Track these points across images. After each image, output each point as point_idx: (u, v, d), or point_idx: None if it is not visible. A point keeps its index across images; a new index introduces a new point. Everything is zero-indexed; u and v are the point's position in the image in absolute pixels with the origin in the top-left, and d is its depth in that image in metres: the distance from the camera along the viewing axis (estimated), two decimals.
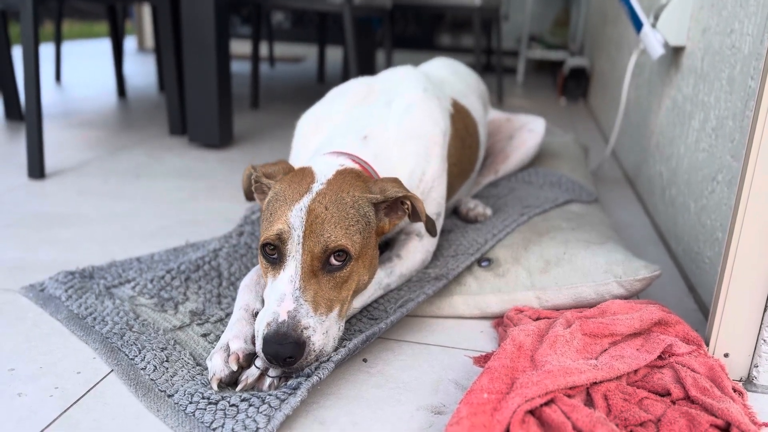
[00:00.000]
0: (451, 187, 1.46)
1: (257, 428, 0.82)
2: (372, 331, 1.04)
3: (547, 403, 0.84)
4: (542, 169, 1.80)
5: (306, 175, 1.08)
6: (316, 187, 1.04)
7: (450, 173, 1.41)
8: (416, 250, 1.26)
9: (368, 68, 4.17)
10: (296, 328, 0.92)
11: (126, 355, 1.01)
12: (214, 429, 0.83)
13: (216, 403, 0.88)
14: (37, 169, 1.99)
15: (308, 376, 0.92)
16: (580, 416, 0.81)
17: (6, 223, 1.60)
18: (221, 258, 1.31)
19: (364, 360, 1.06)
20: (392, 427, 0.90)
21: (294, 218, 0.99)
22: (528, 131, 1.87)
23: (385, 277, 1.19)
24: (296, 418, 0.90)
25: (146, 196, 1.85)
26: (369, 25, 4.20)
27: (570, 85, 3.74)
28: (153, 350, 1.01)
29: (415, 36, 6.10)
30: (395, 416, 0.92)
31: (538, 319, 1.12)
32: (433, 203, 1.31)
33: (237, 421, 0.83)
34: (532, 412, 0.83)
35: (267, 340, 0.91)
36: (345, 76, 3.51)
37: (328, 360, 0.95)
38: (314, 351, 0.93)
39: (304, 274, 0.96)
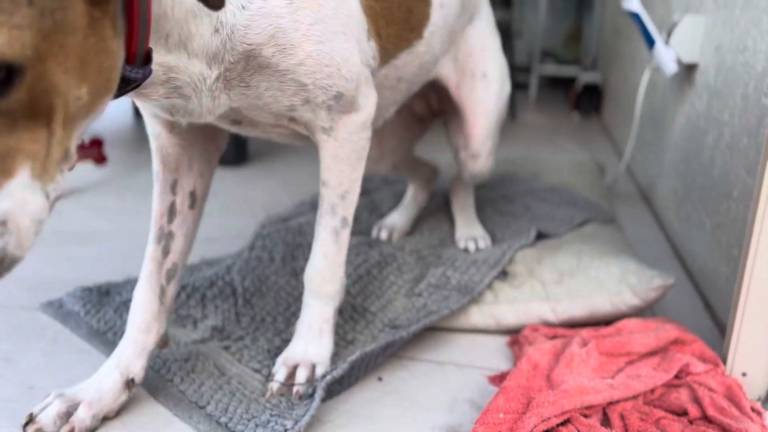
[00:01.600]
0: (385, 51, 1.00)
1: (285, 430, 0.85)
2: (392, 339, 1.05)
3: (563, 423, 0.84)
4: (559, 188, 1.81)
5: None
6: None
7: (369, 11, 0.94)
8: (337, 152, 0.95)
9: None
10: None
11: (150, 367, 1.02)
12: None
13: (250, 418, 0.90)
14: None
15: (323, 377, 0.96)
16: None
17: None
18: (234, 273, 1.32)
19: (379, 378, 1.06)
20: None
21: None
22: (481, 78, 1.31)
23: (331, 221, 0.99)
24: None
25: None
26: None
27: (583, 100, 3.75)
28: (177, 361, 1.03)
29: None
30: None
31: (554, 337, 1.12)
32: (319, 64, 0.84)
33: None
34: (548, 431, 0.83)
35: None
36: None
37: (342, 361, 0.98)
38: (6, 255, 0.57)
39: None
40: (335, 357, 1.05)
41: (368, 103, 0.97)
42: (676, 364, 1.00)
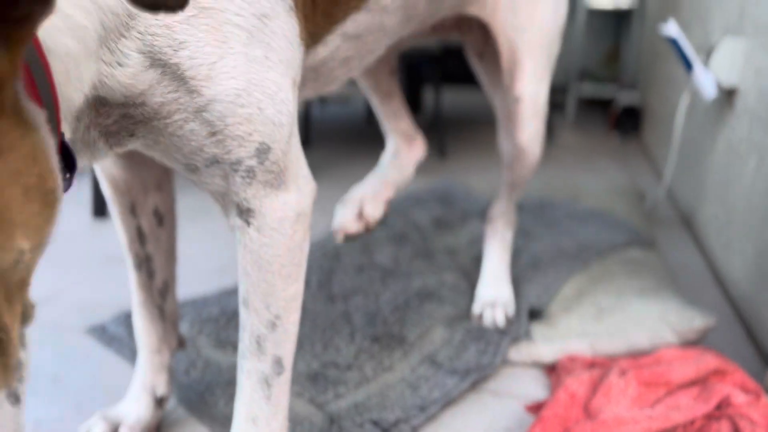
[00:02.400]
0: (329, 17, 0.73)
1: None
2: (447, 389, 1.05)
3: None
4: (598, 211, 1.80)
5: None
6: None
7: None
8: (263, 242, 0.67)
9: (415, 105, 4.24)
10: None
11: (194, 390, 1.05)
12: None
13: None
14: (100, 208, 2.08)
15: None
16: None
17: (70, 263, 1.68)
18: None
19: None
20: None
21: None
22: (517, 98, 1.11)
23: (258, 365, 0.71)
24: None
25: (203, 237, 1.92)
26: (416, 64, 4.27)
27: (622, 121, 3.72)
28: (220, 385, 1.05)
29: (461, 72, 6.16)
30: None
31: (592, 367, 1.11)
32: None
33: None
34: None
35: None
36: None
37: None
38: None
39: None
40: (384, 393, 1.05)
41: (305, 184, 0.69)
42: (716, 394, 0.98)
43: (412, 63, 4.10)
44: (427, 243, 1.64)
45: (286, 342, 0.70)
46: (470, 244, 1.62)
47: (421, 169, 2.50)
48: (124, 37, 0.53)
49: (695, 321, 1.16)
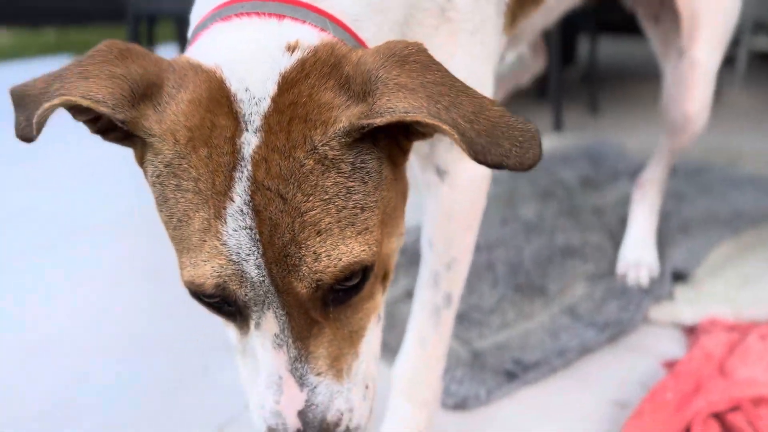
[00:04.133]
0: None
1: None
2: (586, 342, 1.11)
3: (731, 411, 0.87)
4: (759, 176, 1.73)
5: (213, 101, 0.51)
6: (249, 141, 0.50)
7: None
8: (450, 216, 0.79)
9: (568, 55, 4.11)
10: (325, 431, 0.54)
11: None
12: None
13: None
14: None
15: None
16: (765, 425, 0.83)
17: None
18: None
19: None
20: (576, 414, 0.98)
21: (235, 242, 0.50)
22: None
23: (432, 297, 0.82)
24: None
25: None
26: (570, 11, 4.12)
27: None
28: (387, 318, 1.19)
29: (619, 20, 5.84)
30: (580, 404, 1.00)
31: (731, 331, 1.13)
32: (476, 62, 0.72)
33: None
34: (715, 416, 0.87)
35: None
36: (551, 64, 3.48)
37: None
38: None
39: (299, 333, 0.53)
40: (524, 337, 1.13)
41: None
42: None
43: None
44: (572, 201, 1.67)
45: (457, 281, 0.82)
46: (617, 205, 1.64)
47: (571, 125, 2.48)
48: None
49: None
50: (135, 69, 0.51)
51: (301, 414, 0.52)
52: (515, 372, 1.04)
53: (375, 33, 0.61)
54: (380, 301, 0.59)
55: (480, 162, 0.47)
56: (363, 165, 0.51)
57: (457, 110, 0.48)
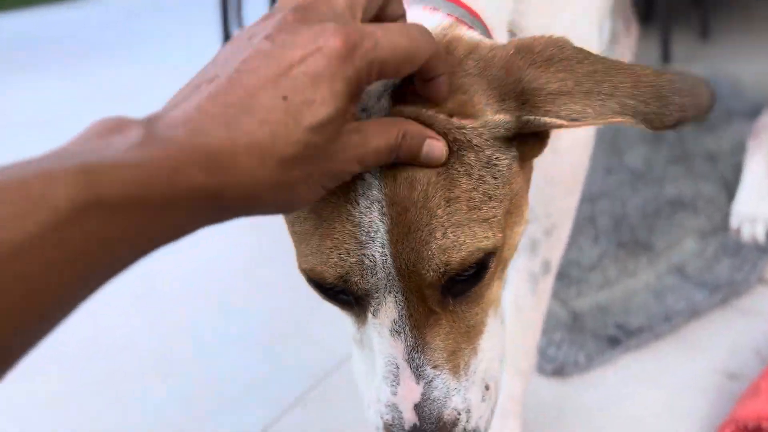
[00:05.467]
0: None
1: None
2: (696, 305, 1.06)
3: None
4: None
5: None
6: None
7: None
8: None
9: None
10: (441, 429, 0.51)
11: None
12: None
13: None
14: None
15: None
16: None
17: None
18: None
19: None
20: (682, 384, 0.94)
21: (366, 221, 0.48)
22: None
23: (529, 264, 0.80)
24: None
25: None
26: None
27: None
28: None
29: None
30: (688, 373, 0.96)
31: None
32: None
33: None
34: None
35: None
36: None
37: None
38: None
39: (417, 321, 0.50)
40: (627, 298, 1.08)
41: None
42: None
43: None
44: (684, 145, 1.56)
45: (557, 248, 0.79)
46: (733, 150, 1.51)
47: (679, 54, 2.29)
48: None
49: None
50: None
51: (418, 408, 0.50)
52: (618, 337, 1.00)
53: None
54: (498, 295, 0.56)
55: (660, 130, 0.46)
56: (497, 162, 0.50)
57: (618, 92, 0.46)
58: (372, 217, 0.47)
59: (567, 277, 1.14)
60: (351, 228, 0.48)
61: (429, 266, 0.48)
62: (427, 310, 0.50)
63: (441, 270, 0.48)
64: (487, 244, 0.49)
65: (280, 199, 0.39)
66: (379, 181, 0.47)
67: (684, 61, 2.24)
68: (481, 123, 0.48)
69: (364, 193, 0.47)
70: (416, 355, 0.50)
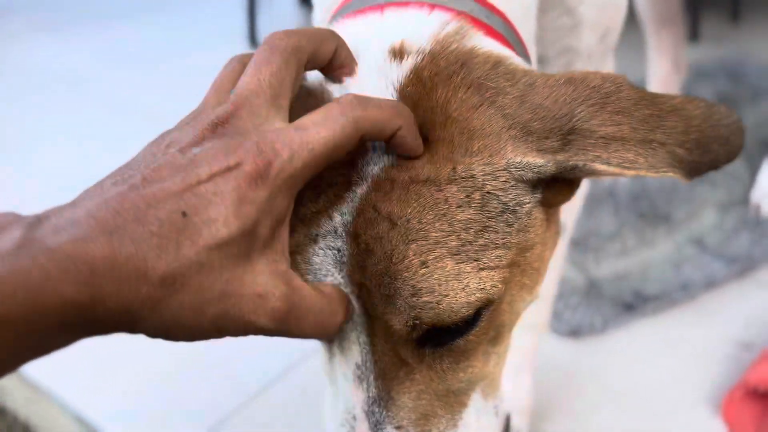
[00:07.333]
0: None
1: None
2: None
3: None
4: None
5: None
6: (375, 161, 0.41)
7: None
8: None
9: None
10: None
11: None
12: None
13: None
14: None
15: None
16: None
17: None
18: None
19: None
20: (695, 351, 0.95)
21: (319, 261, 0.42)
22: None
23: None
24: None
25: None
26: None
27: None
28: None
29: None
30: (700, 341, 0.97)
31: None
32: None
33: None
34: None
35: None
36: None
37: None
38: None
39: (383, 371, 0.43)
40: (645, 267, 1.08)
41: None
42: None
43: None
44: None
45: (570, 209, 0.78)
46: (758, 127, 1.50)
47: (708, 34, 2.27)
48: None
49: None
50: None
51: None
52: (634, 304, 1.01)
53: None
54: (492, 374, 0.47)
55: (690, 179, 0.41)
56: (516, 208, 0.41)
57: (670, 140, 0.40)
58: (328, 257, 0.41)
59: (585, 245, 1.15)
60: (304, 265, 0.41)
61: (398, 318, 0.40)
62: (397, 360, 0.42)
63: (410, 324, 0.40)
64: (479, 297, 0.40)
65: (163, 320, 0.34)
66: (345, 226, 0.40)
67: (713, 40, 2.22)
68: (503, 166, 0.40)
69: (325, 234, 0.41)
70: (376, 410, 0.43)
